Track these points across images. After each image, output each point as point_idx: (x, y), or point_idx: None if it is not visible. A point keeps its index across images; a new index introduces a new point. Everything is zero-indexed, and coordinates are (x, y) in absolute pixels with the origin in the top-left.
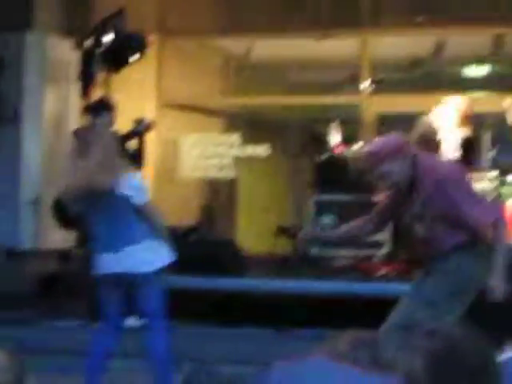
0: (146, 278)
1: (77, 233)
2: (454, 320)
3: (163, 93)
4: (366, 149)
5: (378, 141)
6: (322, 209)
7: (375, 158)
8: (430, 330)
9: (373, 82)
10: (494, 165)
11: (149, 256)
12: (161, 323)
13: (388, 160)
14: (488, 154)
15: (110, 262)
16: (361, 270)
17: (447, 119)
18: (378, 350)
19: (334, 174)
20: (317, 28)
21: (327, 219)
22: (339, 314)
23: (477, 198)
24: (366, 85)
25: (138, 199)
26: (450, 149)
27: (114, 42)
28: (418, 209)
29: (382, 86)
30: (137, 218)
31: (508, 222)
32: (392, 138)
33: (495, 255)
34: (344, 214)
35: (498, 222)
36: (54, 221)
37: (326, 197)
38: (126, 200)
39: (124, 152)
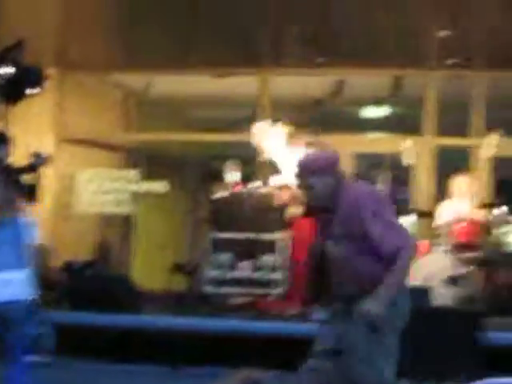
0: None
1: None
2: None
3: (62, 127)
4: (301, 158)
5: (314, 153)
6: (218, 246)
7: (306, 168)
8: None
9: (271, 121)
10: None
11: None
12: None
13: (317, 173)
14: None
15: None
16: (257, 308)
17: None
18: None
19: (230, 212)
20: (215, 66)
21: (223, 257)
22: (234, 352)
23: (391, 224)
24: (262, 124)
25: (25, 235)
26: None
27: (11, 74)
28: (336, 229)
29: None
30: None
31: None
32: (327, 153)
33: (385, 279)
34: (240, 251)
35: (404, 249)
36: None
37: (223, 234)
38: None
39: (18, 186)
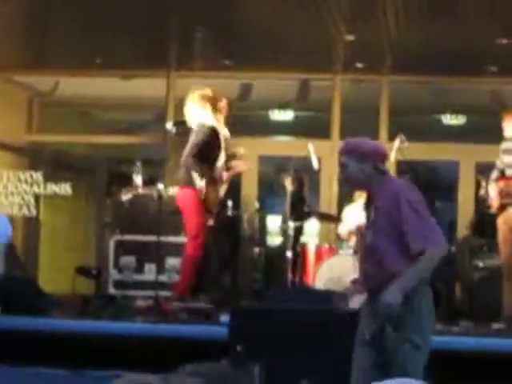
0: None
1: None
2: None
3: None
4: (350, 138)
5: (363, 138)
6: (123, 249)
7: (347, 148)
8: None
9: (176, 123)
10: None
11: None
12: None
13: (355, 156)
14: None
15: None
16: (162, 310)
17: None
18: None
19: (135, 214)
20: (122, 68)
21: (128, 259)
22: (140, 355)
23: (426, 221)
24: (169, 126)
25: None
26: None
27: None
28: (372, 219)
29: (186, 128)
30: None
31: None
32: (373, 143)
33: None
34: (145, 254)
35: (434, 246)
36: None
37: (128, 237)
38: None
39: None
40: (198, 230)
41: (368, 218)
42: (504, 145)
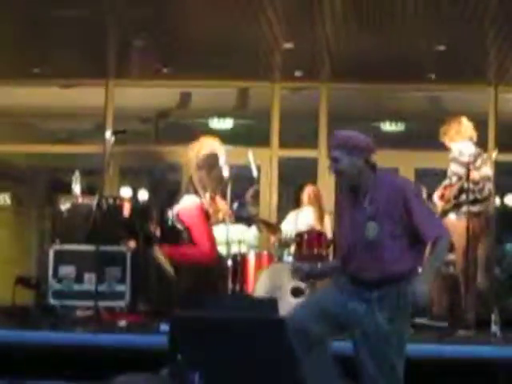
0: None
1: None
2: None
3: None
4: (340, 131)
5: (354, 132)
6: (62, 259)
7: (338, 141)
8: None
9: (115, 132)
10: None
11: None
12: None
13: (346, 150)
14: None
15: None
16: (102, 320)
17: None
18: None
19: (75, 224)
20: (61, 76)
21: (67, 269)
22: (78, 365)
23: (433, 212)
24: (108, 135)
25: None
26: None
27: None
28: (369, 212)
29: (126, 137)
30: None
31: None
32: (364, 138)
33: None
34: (85, 264)
35: (446, 238)
36: None
37: (67, 247)
38: None
39: None
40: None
41: (356, 211)
42: (451, 154)
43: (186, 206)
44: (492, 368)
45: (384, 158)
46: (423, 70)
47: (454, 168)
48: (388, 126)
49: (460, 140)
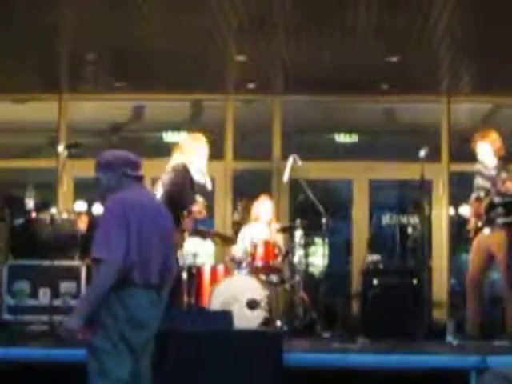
0: None
1: None
2: None
3: None
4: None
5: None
6: (16, 274)
7: (96, 163)
8: None
9: (68, 146)
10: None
11: None
12: None
13: (102, 169)
14: None
15: None
16: (57, 335)
17: None
18: None
19: (29, 239)
20: (14, 91)
21: (22, 284)
22: (33, 380)
23: (110, 234)
24: (61, 149)
25: None
26: None
27: None
28: None
29: (79, 151)
30: None
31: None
32: (117, 152)
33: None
34: (39, 279)
35: (107, 263)
36: None
37: (21, 262)
38: None
39: None
40: None
41: None
42: (475, 167)
43: None
44: None
45: (338, 170)
46: (376, 82)
47: (481, 182)
48: (342, 138)
49: (487, 152)
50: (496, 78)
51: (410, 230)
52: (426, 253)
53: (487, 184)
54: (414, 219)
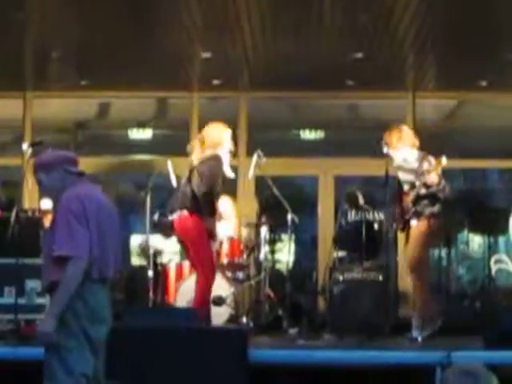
0: None
1: None
2: None
3: None
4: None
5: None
6: None
7: (36, 165)
8: None
9: (32, 144)
10: (155, 227)
11: None
12: None
13: (43, 170)
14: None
15: None
16: (23, 334)
17: None
18: None
19: None
20: None
21: None
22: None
23: (72, 231)
24: (25, 147)
25: None
26: None
27: None
28: None
29: (44, 149)
30: None
31: None
32: (55, 152)
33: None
34: (3, 277)
35: (75, 259)
36: None
37: None
38: None
39: None
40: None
41: None
42: (395, 162)
43: None
44: None
45: (304, 166)
46: (341, 78)
47: (402, 176)
48: (307, 134)
49: (402, 147)
50: (461, 74)
51: (375, 225)
52: (391, 248)
53: (410, 177)
54: (380, 215)
